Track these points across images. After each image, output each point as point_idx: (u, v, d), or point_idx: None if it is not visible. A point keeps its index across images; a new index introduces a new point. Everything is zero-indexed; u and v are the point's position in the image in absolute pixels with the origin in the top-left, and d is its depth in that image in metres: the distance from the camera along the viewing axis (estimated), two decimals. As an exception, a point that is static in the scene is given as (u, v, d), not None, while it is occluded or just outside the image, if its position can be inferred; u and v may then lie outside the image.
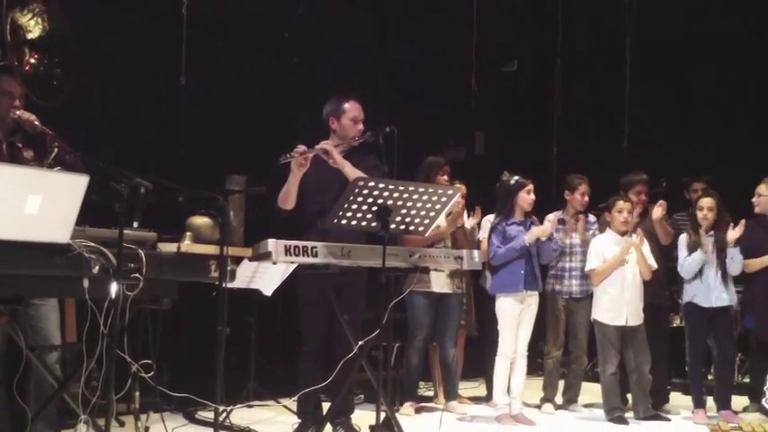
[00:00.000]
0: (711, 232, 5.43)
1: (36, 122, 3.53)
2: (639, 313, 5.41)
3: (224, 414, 4.36)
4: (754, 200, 5.65)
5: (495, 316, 5.36)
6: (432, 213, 3.91)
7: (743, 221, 5.39)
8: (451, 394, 5.76)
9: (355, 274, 4.26)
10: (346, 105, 4.46)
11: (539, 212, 5.59)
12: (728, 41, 7.50)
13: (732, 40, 7.48)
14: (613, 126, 7.53)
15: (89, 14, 4.73)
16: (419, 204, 3.83)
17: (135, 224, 3.26)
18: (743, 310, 6.16)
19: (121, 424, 4.48)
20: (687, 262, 5.42)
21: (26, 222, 2.74)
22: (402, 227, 3.92)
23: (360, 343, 4.01)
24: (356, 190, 3.68)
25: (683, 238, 5.51)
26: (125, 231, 3.07)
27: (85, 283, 3.00)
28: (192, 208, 3.51)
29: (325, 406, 4.46)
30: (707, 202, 5.44)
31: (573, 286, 5.78)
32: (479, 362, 6.27)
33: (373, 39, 7.45)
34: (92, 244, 2.99)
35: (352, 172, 4.24)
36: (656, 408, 5.55)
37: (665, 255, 5.81)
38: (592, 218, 5.92)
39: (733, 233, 5.34)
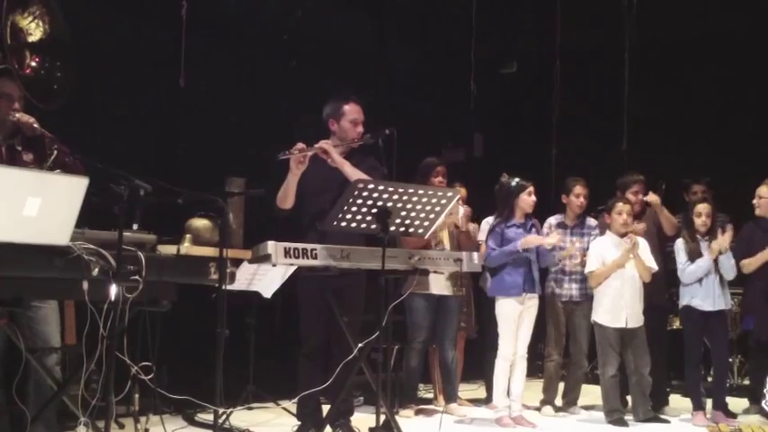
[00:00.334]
0: (707, 237, 5.45)
1: (35, 125, 3.53)
2: (639, 315, 5.41)
3: (223, 416, 4.35)
4: (754, 201, 5.66)
5: (494, 318, 5.36)
6: (431, 215, 3.91)
7: (729, 226, 5.44)
8: (451, 396, 5.76)
9: (355, 277, 4.25)
10: (346, 107, 4.46)
11: (537, 215, 5.59)
12: (727, 43, 7.51)
13: (731, 42, 7.49)
14: (612, 128, 7.54)
15: (88, 17, 4.73)
16: (419, 206, 3.83)
17: (134, 226, 3.26)
18: (742, 312, 6.17)
19: (121, 426, 4.48)
20: (691, 269, 5.42)
21: (25, 224, 2.74)
22: (402, 229, 3.92)
23: (359, 345, 4.01)
24: (356, 192, 3.68)
25: (679, 244, 5.52)
26: (124, 233, 3.07)
27: (85, 285, 2.99)
28: (192, 210, 3.51)
29: (325, 408, 4.46)
30: (705, 208, 5.46)
31: (573, 290, 5.78)
32: (479, 364, 6.27)
33: (372, 41, 7.46)
34: (91, 246, 2.99)
35: (351, 171, 4.24)
36: (655, 410, 5.55)
37: (664, 256, 5.80)
38: (592, 221, 5.91)
39: (723, 239, 5.35)
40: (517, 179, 5.33)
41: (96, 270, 2.98)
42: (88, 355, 3.17)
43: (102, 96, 5.25)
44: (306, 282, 4.36)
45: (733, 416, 5.60)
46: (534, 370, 6.29)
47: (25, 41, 3.62)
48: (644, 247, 5.45)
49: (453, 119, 7.93)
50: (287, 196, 4.34)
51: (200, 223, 3.46)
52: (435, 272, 4.35)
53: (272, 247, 3.67)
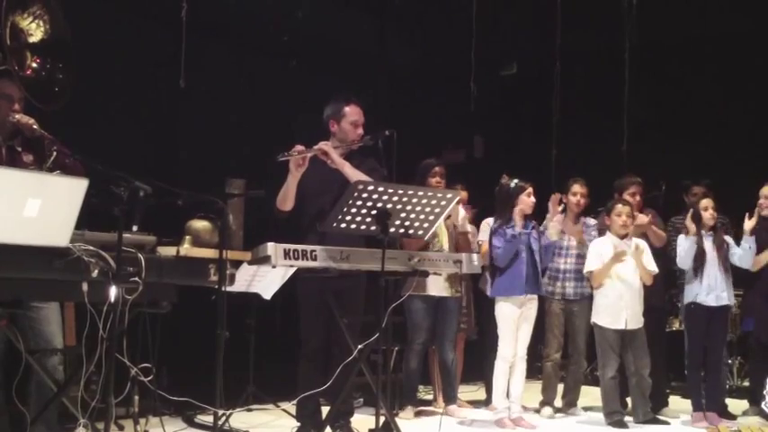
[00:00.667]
0: (710, 233, 5.46)
1: (35, 126, 3.53)
2: (639, 317, 5.41)
3: (223, 418, 4.35)
4: (761, 202, 5.66)
5: (494, 319, 5.36)
6: (431, 217, 3.91)
7: (757, 210, 5.48)
8: (451, 398, 5.75)
9: (354, 278, 4.25)
10: (347, 109, 4.45)
11: (537, 216, 5.59)
12: (727, 44, 7.51)
13: (731, 43, 7.49)
14: (612, 129, 7.54)
15: (89, 18, 4.73)
16: (418, 208, 3.83)
17: (134, 228, 3.26)
18: (742, 313, 6.17)
19: (120, 428, 4.48)
20: (679, 251, 5.46)
21: (25, 226, 2.74)
22: (402, 230, 3.92)
23: (359, 346, 4.01)
24: (356, 193, 3.68)
25: (682, 239, 5.52)
26: (124, 235, 3.07)
27: (84, 286, 2.99)
28: (192, 211, 3.51)
29: (325, 410, 4.46)
30: (710, 201, 5.47)
31: (567, 288, 5.78)
32: (479, 365, 6.27)
33: (373, 42, 7.46)
34: (91, 247, 2.98)
35: (351, 172, 4.24)
36: (655, 411, 5.55)
37: (663, 258, 5.80)
38: (591, 221, 5.92)
39: (749, 222, 5.39)
40: (516, 180, 5.33)
41: (96, 271, 2.98)
42: (88, 356, 3.17)
43: (103, 97, 5.25)
44: (305, 283, 4.36)
45: (733, 417, 5.60)
46: (533, 371, 6.29)
47: (26, 42, 3.61)
48: (645, 250, 5.45)
49: (453, 120, 7.93)
50: (287, 198, 4.34)
51: (200, 225, 3.46)
52: (435, 273, 4.35)
53: (271, 248, 3.67)
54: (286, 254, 3.70)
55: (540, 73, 8.24)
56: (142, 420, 4.09)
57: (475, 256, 4.38)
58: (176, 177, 4.67)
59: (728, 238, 5.53)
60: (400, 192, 3.74)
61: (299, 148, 4.22)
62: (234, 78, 6.29)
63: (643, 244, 5.47)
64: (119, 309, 3.07)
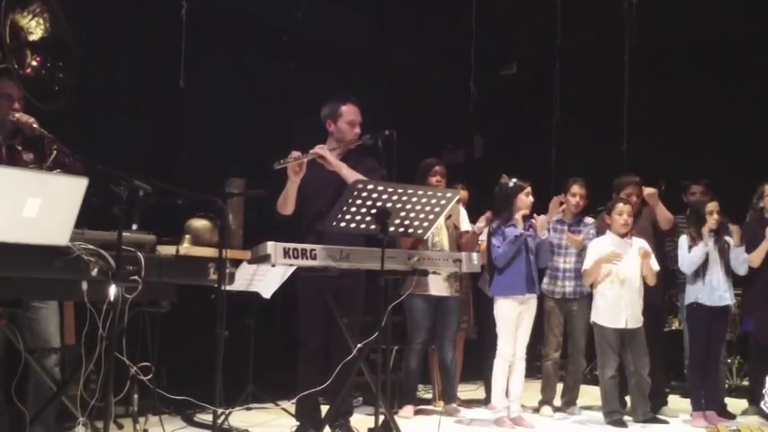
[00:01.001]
0: (712, 235, 5.46)
1: (35, 125, 3.53)
2: (639, 316, 5.42)
3: (222, 417, 4.35)
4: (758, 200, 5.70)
5: (493, 319, 5.36)
6: (431, 216, 3.91)
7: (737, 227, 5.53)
8: (450, 397, 5.76)
9: (354, 277, 4.25)
10: (343, 108, 4.46)
11: (537, 215, 5.59)
12: (726, 45, 7.51)
13: (730, 44, 7.49)
14: (612, 129, 7.54)
15: (88, 17, 4.73)
16: (418, 207, 3.83)
17: (134, 227, 3.26)
18: (742, 313, 6.17)
19: (120, 426, 4.48)
20: (689, 256, 5.44)
21: (25, 225, 2.74)
22: (401, 229, 3.92)
23: (358, 345, 4.01)
24: (355, 192, 3.68)
25: (684, 240, 5.53)
26: (124, 234, 3.07)
27: (84, 285, 2.99)
28: (191, 210, 3.51)
29: (324, 409, 4.46)
30: (716, 205, 5.47)
31: (566, 287, 5.79)
32: (478, 365, 6.27)
33: (372, 42, 7.46)
34: (91, 246, 2.99)
35: (349, 174, 4.24)
36: (654, 411, 5.56)
37: (662, 257, 5.81)
38: (589, 220, 5.92)
39: (736, 237, 5.44)
40: (515, 180, 5.34)
41: (96, 270, 2.98)
42: (87, 355, 3.17)
43: (103, 97, 5.26)
44: (305, 282, 4.36)
45: (732, 417, 5.61)
46: (533, 370, 6.29)
47: (26, 40, 3.61)
48: (647, 250, 5.44)
49: (453, 120, 7.94)
50: (287, 203, 4.36)
51: (200, 224, 3.46)
52: (435, 272, 4.35)
53: (271, 247, 3.67)
54: (285, 253, 3.70)
55: (539, 73, 8.24)
56: (141, 419, 4.09)
57: (475, 255, 4.37)
58: (176, 176, 4.68)
59: (729, 239, 5.54)
60: (400, 191, 3.74)
61: (296, 154, 4.23)
62: (233, 78, 6.30)
63: (646, 245, 5.46)
64: (118, 308, 3.07)
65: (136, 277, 3.08)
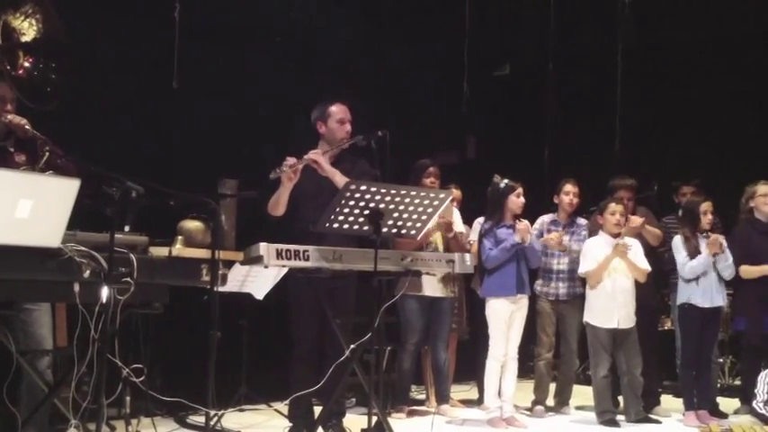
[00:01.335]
0: (705, 234, 5.48)
1: (27, 127, 3.52)
2: (631, 316, 5.43)
3: (215, 418, 4.36)
4: (761, 200, 5.70)
5: (486, 319, 5.37)
6: (424, 217, 3.92)
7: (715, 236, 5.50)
8: (443, 398, 5.76)
9: (347, 278, 4.26)
10: (332, 108, 4.49)
11: (531, 216, 5.61)
12: (720, 45, 7.53)
13: (723, 44, 7.51)
14: (605, 129, 7.55)
15: (81, 18, 4.71)
16: (411, 208, 3.84)
17: (126, 228, 3.26)
18: (733, 312, 6.19)
19: (112, 429, 4.46)
20: (692, 265, 5.44)
21: (17, 226, 2.73)
22: (394, 230, 3.92)
23: (351, 346, 4.01)
24: (348, 193, 3.68)
25: (678, 241, 5.54)
26: (116, 235, 3.06)
27: (76, 287, 2.99)
28: (184, 212, 3.51)
29: (317, 410, 4.46)
30: (710, 206, 5.48)
31: (559, 288, 5.80)
32: (471, 365, 6.28)
33: (366, 43, 7.46)
34: (83, 248, 2.98)
35: (341, 181, 4.24)
36: (647, 410, 5.57)
37: (655, 257, 5.82)
38: (581, 220, 5.94)
39: (720, 237, 5.41)
40: (506, 180, 5.34)
41: (88, 272, 2.98)
42: (79, 357, 3.16)
43: (95, 98, 5.24)
44: (298, 283, 4.36)
45: (724, 416, 5.63)
46: (525, 370, 6.30)
47: (18, 41, 3.60)
48: (637, 249, 5.46)
49: (446, 121, 7.93)
50: (278, 205, 4.39)
51: (193, 225, 3.46)
52: (428, 273, 4.35)
53: (264, 248, 3.67)
54: (278, 254, 3.70)
55: (532, 74, 8.25)
56: (134, 421, 4.09)
57: (467, 255, 4.38)
58: (169, 178, 4.66)
59: (722, 240, 5.53)
60: (393, 192, 3.74)
61: (291, 161, 4.25)
62: (227, 79, 6.29)
63: (636, 243, 5.48)
64: (110, 309, 3.06)
65: (128, 279, 3.08)
